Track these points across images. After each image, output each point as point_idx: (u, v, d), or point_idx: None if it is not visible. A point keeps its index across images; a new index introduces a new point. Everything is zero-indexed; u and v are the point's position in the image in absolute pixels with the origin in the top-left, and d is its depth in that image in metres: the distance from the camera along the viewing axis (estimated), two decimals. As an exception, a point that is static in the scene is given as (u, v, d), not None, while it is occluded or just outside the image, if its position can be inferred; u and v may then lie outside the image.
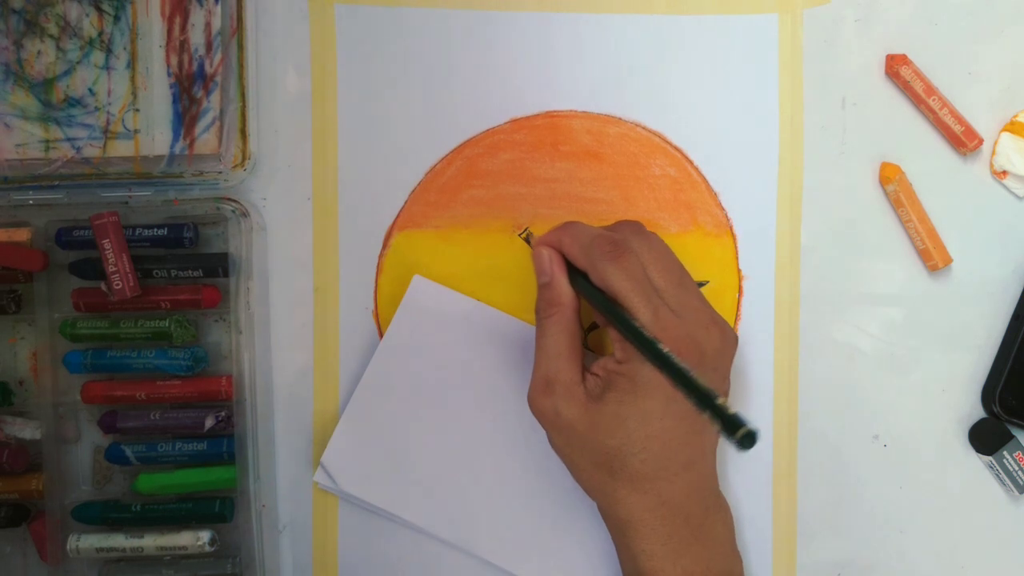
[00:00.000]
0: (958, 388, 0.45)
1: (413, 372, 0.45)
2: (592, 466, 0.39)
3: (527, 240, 0.46)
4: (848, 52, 0.46)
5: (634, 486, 0.39)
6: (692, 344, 0.38)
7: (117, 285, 0.43)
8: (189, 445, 0.45)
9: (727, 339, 0.40)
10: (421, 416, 0.45)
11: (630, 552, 0.39)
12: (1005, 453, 0.44)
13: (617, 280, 0.38)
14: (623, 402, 0.38)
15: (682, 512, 0.39)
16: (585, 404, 0.39)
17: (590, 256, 0.39)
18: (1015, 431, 0.45)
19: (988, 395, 0.45)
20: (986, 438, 0.44)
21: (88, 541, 0.44)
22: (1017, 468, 0.44)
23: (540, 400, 0.40)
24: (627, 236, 0.40)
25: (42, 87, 0.45)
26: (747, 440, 0.28)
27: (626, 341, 0.38)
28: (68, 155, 0.44)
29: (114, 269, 0.43)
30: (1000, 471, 0.45)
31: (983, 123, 0.45)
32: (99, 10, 0.45)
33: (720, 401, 0.30)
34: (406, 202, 0.46)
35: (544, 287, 0.41)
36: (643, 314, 0.37)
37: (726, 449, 0.45)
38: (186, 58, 0.45)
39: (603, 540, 0.44)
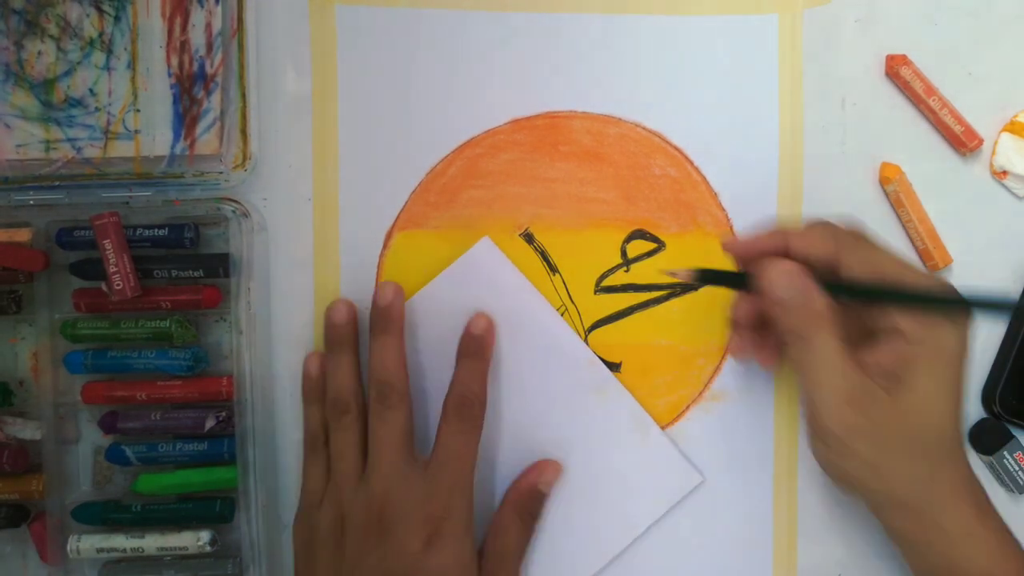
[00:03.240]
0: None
1: (440, 329, 0.44)
2: (907, 460, 0.37)
3: (527, 240, 0.46)
4: (848, 52, 0.46)
5: (952, 456, 0.38)
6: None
7: (118, 285, 0.43)
8: (189, 445, 0.44)
9: None
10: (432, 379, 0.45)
11: (944, 536, 0.38)
12: (1005, 453, 0.44)
13: (880, 255, 0.37)
14: (934, 375, 0.36)
15: (968, 466, 0.39)
16: (893, 399, 0.37)
17: (840, 244, 0.37)
18: (1015, 431, 0.45)
19: (988, 395, 0.45)
20: (986, 438, 0.44)
21: (88, 541, 0.44)
22: (1017, 468, 0.44)
23: (844, 418, 0.36)
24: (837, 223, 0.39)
25: (42, 87, 0.45)
26: None
27: (916, 315, 0.36)
28: (69, 155, 0.44)
29: (115, 269, 0.43)
30: (1000, 471, 0.45)
31: (983, 123, 0.45)
32: (99, 10, 0.45)
33: None
34: (406, 202, 0.46)
35: (799, 304, 0.37)
36: (919, 277, 0.36)
37: (726, 451, 0.45)
38: (186, 58, 0.45)
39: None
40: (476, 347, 0.43)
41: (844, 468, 0.38)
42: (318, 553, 0.41)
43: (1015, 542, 0.38)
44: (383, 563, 0.39)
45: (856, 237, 0.38)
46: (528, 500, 0.43)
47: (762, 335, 0.42)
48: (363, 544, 0.40)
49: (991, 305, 0.36)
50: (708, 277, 0.42)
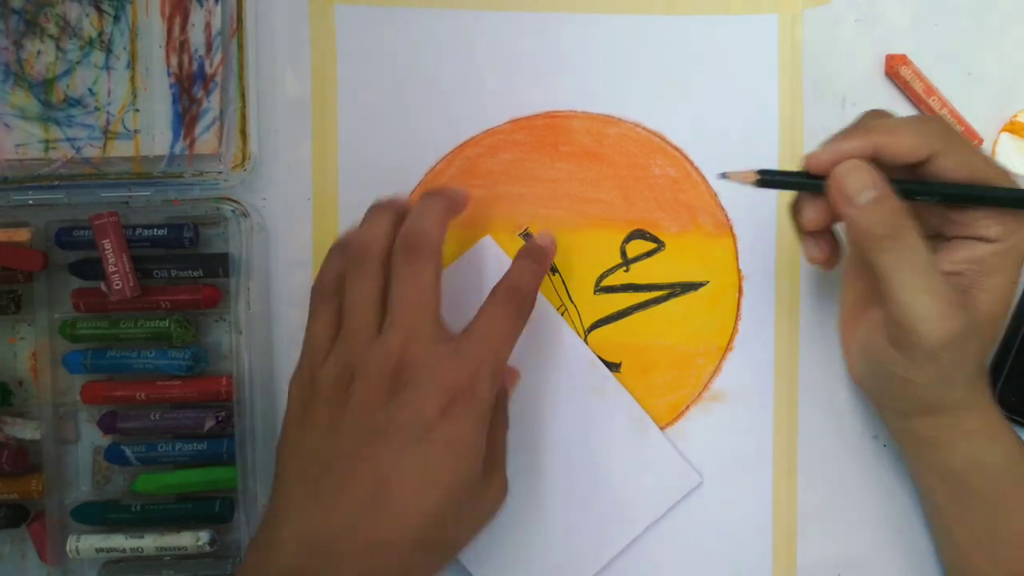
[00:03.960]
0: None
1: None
2: (966, 365, 0.36)
3: (527, 240, 0.46)
4: (848, 52, 0.46)
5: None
6: None
7: (117, 285, 0.43)
8: (189, 445, 0.44)
9: None
10: None
11: (967, 436, 0.37)
12: None
13: (977, 157, 0.35)
14: (1008, 274, 0.35)
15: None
16: (975, 303, 0.35)
17: (932, 139, 0.34)
18: (1015, 428, 0.44)
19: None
20: None
21: (88, 541, 0.44)
22: (1017, 468, 0.44)
23: (951, 323, 0.34)
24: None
25: (42, 87, 0.45)
26: None
27: (1004, 215, 0.35)
28: (68, 155, 0.44)
29: (114, 269, 0.43)
30: (1000, 471, 0.45)
31: (983, 123, 0.45)
32: (99, 10, 0.45)
33: None
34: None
35: (879, 202, 0.34)
36: (1006, 176, 0.35)
37: (725, 450, 0.45)
38: (186, 58, 0.45)
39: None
40: (538, 253, 0.41)
41: (914, 379, 0.36)
42: (317, 409, 0.36)
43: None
44: (389, 422, 0.35)
45: (947, 133, 0.35)
46: (503, 400, 0.41)
47: (831, 237, 0.39)
48: (369, 400, 0.35)
49: None
50: (772, 180, 0.37)
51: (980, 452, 0.38)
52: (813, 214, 0.37)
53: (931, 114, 0.36)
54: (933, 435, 0.38)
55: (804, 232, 0.39)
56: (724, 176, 0.37)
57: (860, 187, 0.34)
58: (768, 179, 0.37)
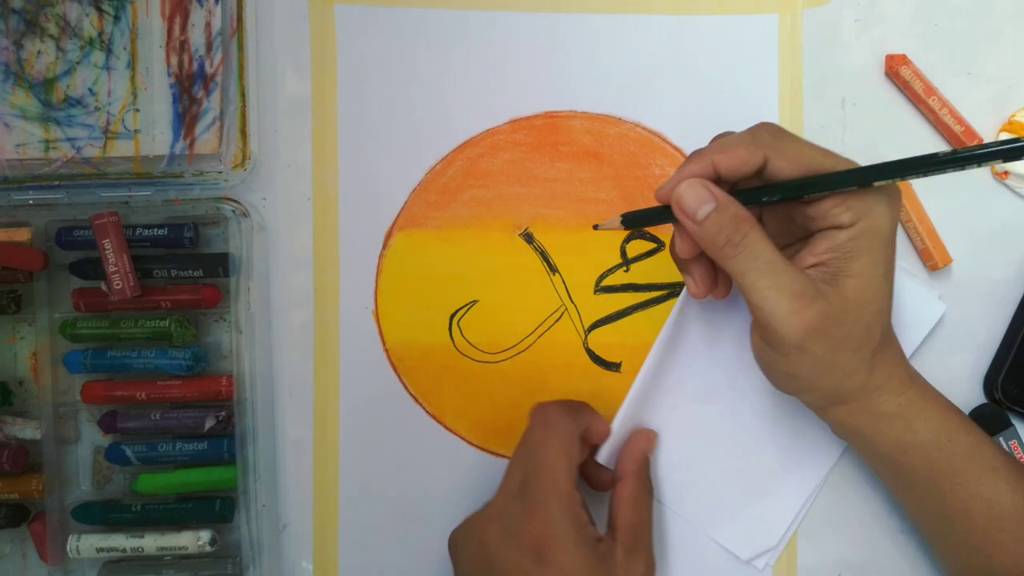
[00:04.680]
0: (958, 388, 0.45)
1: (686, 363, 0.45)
2: (853, 351, 0.37)
3: (527, 240, 0.46)
4: (848, 52, 0.46)
5: (887, 338, 0.37)
6: None
7: (117, 285, 0.43)
8: (189, 445, 0.45)
9: None
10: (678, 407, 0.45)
11: (887, 420, 0.38)
12: (1001, 440, 0.44)
13: (807, 148, 0.36)
14: (873, 257, 0.36)
15: (897, 340, 0.39)
16: (836, 292, 0.36)
17: (762, 143, 0.36)
18: (1014, 419, 0.45)
19: (990, 382, 0.45)
20: (984, 423, 0.44)
21: (88, 541, 0.44)
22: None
23: (801, 317, 0.35)
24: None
25: (42, 87, 0.45)
26: None
27: (850, 200, 0.35)
28: (68, 155, 0.44)
29: (114, 269, 0.43)
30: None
31: (983, 123, 0.45)
32: (99, 10, 0.45)
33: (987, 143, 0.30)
34: (406, 202, 0.46)
35: (717, 213, 0.36)
36: (847, 162, 0.36)
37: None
38: (186, 58, 0.45)
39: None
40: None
41: (796, 372, 0.37)
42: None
43: (953, 406, 0.39)
44: None
45: (777, 135, 0.36)
46: (645, 468, 0.43)
47: (709, 267, 0.40)
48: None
49: (920, 166, 0.34)
50: (633, 220, 0.39)
51: (903, 433, 0.38)
52: (681, 243, 0.38)
53: (766, 122, 0.38)
54: (854, 422, 0.39)
55: (683, 266, 0.40)
56: (596, 227, 0.40)
57: (697, 202, 0.36)
58: (631, 220, 0.39)
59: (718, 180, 0.36)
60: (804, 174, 0.36)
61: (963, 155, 0.33)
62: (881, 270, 0.36)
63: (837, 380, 0.37)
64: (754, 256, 0.36)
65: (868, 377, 0.38)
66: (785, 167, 0.36)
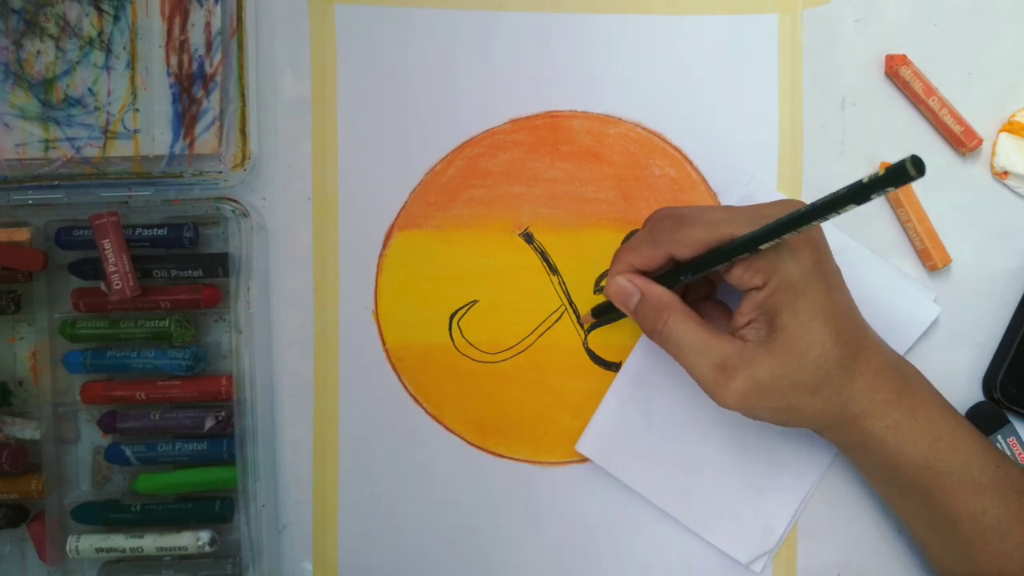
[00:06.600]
0: (957, 388, 0.45)
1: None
2: (810, 393, 0.38)
3: (527, 240, 0.46)
4: (848, 52, 0.46)
5: (852, 367, 0.38)
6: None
7: (117, 285, 0.43)
8: (189, 445, 0.44)
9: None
10: (672, 407, 0.45)
11: (873, 439, 0.39)
12: (999, 437, 0.44)
13: (692, 231, 0.38)
14: (799, 309, 0.37)
15: (879, 358, 0.39)
16: (768, 351, 0.37)
17: (659, 240, 0.38)
18: (1012, 418, 0.45)
19: (989, 380, 0.45)
20: (982, 421, 0.44)
21: (88, 541, 0.44)
22: (1010, 454, 0.44)
23: (729, 389, 0.38)
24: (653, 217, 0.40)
25: (42, 87, 0.44)
26: (917, 165, 0.28)
27: (756, 262, 0.37)
28: (68, 155, 0.44)
29: (114, 269, 0.43)
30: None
31: (983, 123, 0.45)
32: (99, 10, 0.45)
33: (871, 175, 0.30)
34: (406, 202, 0.46)
35: (641, 304, 0.39)
36: (741, 224, 0.37)
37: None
38: (186, 58, 0.45)
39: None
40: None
41: (762, 419, 0.39)
42: None
43: (945, 418, 0.39)
44: None
45: (673, 226, 0.38)
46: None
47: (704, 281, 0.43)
48: None
49: (810, 214, 0.34)
50: (597, 313, 0.44)
51: (894, 454, 0.39)
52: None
53: (663, 209, 0.40)
54: (842, 442, 0.41)
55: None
56: (581, 324, 0.46)
57: (624, 297, 0.40)
58: (596, 312, 0.44)
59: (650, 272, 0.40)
60: (710, 246, 0.38)
61: (819, 205, 0.33)
62: (806, 316, 0.37)
63: (808, 417, 0.39)
64: (676, 341, 0.39)
65: (845, 407, 0.38)
66: (687, 252, 0.38)
